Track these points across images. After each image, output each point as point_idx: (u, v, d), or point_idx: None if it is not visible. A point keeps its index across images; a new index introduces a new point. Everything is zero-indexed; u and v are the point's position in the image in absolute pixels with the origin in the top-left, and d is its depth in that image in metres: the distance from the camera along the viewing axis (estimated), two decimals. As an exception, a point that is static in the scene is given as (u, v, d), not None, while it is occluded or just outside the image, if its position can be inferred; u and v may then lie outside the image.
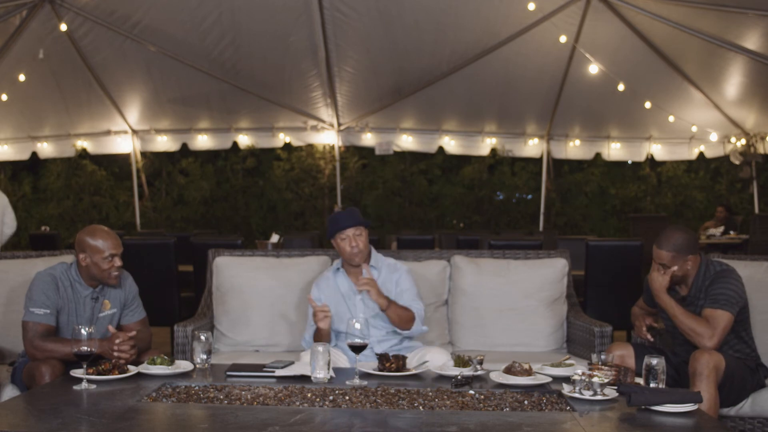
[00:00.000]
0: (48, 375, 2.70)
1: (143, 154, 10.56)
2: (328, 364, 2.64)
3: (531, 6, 7.05)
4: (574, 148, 10.22)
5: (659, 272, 2.99)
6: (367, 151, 11.04)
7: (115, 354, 2.73)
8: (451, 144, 10.08)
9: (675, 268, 2.97)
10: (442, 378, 2.70)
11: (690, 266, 2.99)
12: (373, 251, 3.39)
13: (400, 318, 3.18)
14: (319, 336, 3.15)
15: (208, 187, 11.92)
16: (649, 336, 3.12)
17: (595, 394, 2.36)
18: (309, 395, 2.43)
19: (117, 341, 2.75)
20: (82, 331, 2.52)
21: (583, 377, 2.41)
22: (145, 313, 3.18)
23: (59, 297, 2.93)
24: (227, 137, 10.08)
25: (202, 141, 10.04)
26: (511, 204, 12.16)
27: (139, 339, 2.92)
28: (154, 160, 11.54)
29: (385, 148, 9.91)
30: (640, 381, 2.47)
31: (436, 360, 2.94)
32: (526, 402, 2.39)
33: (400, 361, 2.76)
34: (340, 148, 10.21)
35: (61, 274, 2.98)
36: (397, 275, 3.32)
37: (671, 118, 9.04)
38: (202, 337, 2.84)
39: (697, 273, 3.02)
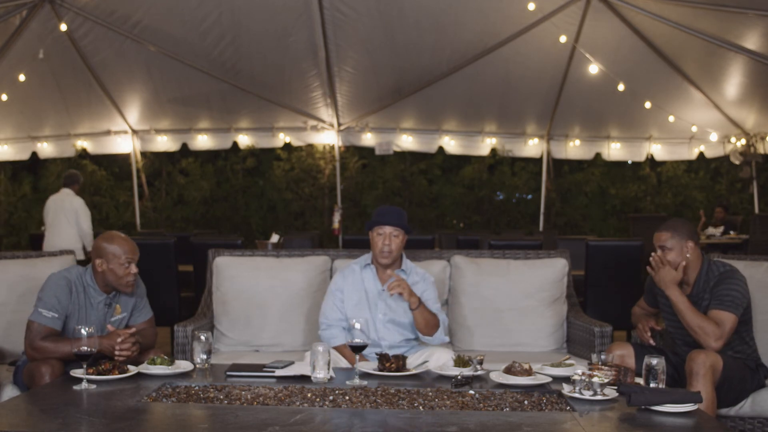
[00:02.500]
0: (48, 375, 2.70)
1: (143, 154, 10.55)
2: (328, 364, 2.64)
3: (531, 6, 7.04)
4: (574, 148, 10.21)
5: (665, 265, 2.98)
6: (367, 151, 11.03)
7: (117, 352, 2.74)
8: (451, 144, 10.08)
9: (679, 258, 2.96)
10: (442, 378, 2.70)
11: (690, 255, 2.99)
12: (405, 257, 3.40)
13: (427, 322, 3.17)
14: (343, 351, 3.17)
15: (208, 187, 11.92)
16: (652, 341, 3.12)
17: (595, 394, 2.36)
18: (309, 395, 2.43)
19: (119, 339, 2.76)
20: (82, 331, 2.52)
21: (583, 377, 2.41)
22: (152, 313, 3.20)
23: (71, 302, 2.92)
24: (227, 137, 10.07)
25: (202, 141, 10.03)
26: (511, 204, 12.16)
27: (143, 336, 2.93)
28: (154, 160, 11.54)
29: (385, 148, 9.90)
30: (640, 381, 2.48)
31: (440, 359, 2.94)
32: (526, 402, 2.39)
33: (400, 361, 2.77)
34: (340, 148, 10.20)
35: (76, 277, 2.97)
36: (424, 285, 3.32)
37: (671, 118, 9.04)
38: (202, 337, 2.84)
39: (699, 272, 3.02)
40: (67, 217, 6.63)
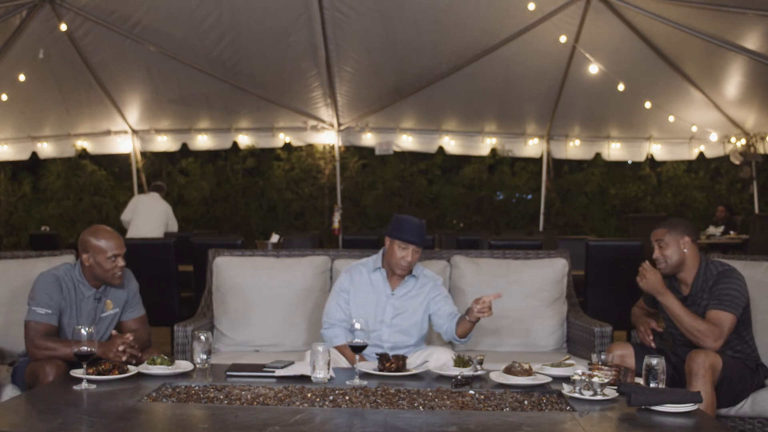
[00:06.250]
0: (52, 375, 2.70)
1: (143, 154, 10.55)
2: (328, 364, 2.64)
3: (531, 6, 7.03)
4: (574, 148, 10.21)
5: (649, 271, 2.99)
6: (367, 151, 11.04)
7: (112, 355, 2.74)
8: (451, 144, 10.07)
9: (677, 253, 2.97)
10: (442, 378, 2.70)
11: (687, 251, 2.99)
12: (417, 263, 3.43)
13: (471, 328, 3.18)
14: (345, 353, 3.17)
15: (208, 187, 11.92)
16: (653, 344, 3.12)
17: (595, 394, 2.36)
18: (309, 395, 2.43)
19: (120, 348, 2.75)
20: (82, 331, 2.53)
21: (583, 377, 2.41)
22: (144, 311, 3.19)
23: (62, 297, 2.93)
24: (227, 137, 10.07)
25: (202, 141, 10.02)
26: (511, 204, 12.17)
27: (138, 339, 2.92)
28: (154, 160, 11.54)
29: (385, 148, 9.90)
30: (640, 381, 2.48)
31: (440, 359, 2.94)
32: (526, 402, 2.39)
33: (400, 361, 2.77)
34: (340, 148, 10.20)
35: (64, 274, 2.98)
36: (436, 289, 3.35)
37: (671, 118, 9.03)
38: (202, 337, 2.84)
39: (698, 272, 3.02)
40: (158, 214, 7.63)
